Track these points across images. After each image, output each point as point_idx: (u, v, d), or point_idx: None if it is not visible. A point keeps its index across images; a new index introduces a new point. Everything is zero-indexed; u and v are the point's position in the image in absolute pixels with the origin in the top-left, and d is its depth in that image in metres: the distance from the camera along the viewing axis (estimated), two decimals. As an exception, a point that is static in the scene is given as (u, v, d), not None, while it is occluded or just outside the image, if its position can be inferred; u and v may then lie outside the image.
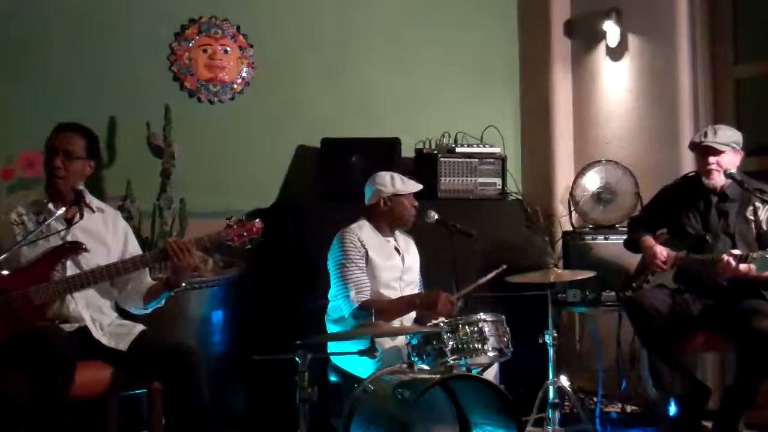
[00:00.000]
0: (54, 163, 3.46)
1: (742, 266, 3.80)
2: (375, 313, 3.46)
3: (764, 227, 3.99)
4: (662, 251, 4.12)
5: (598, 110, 5.43)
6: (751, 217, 4.03)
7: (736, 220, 4.05)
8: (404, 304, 3.95)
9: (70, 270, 3.42)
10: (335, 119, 5.09)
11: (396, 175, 4.08)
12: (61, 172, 3.46)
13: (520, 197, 5.26)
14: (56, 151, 3.47)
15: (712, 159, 4.04)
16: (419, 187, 4.12)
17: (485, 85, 5.58)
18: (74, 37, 4.67)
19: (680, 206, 4.19)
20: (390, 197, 4.03)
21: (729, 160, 4.04)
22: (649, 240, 4.22)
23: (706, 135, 4.08)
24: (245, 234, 3.47)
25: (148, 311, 3.59)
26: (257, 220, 3.52)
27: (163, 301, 3.58)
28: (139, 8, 4.80)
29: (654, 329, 3.97)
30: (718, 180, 4.06)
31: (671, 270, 4.11)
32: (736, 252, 3.84)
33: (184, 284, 3.57)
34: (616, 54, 5.29)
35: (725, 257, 3.83)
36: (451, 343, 3.52)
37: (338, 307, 3.93)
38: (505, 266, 3.99)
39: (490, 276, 3.96)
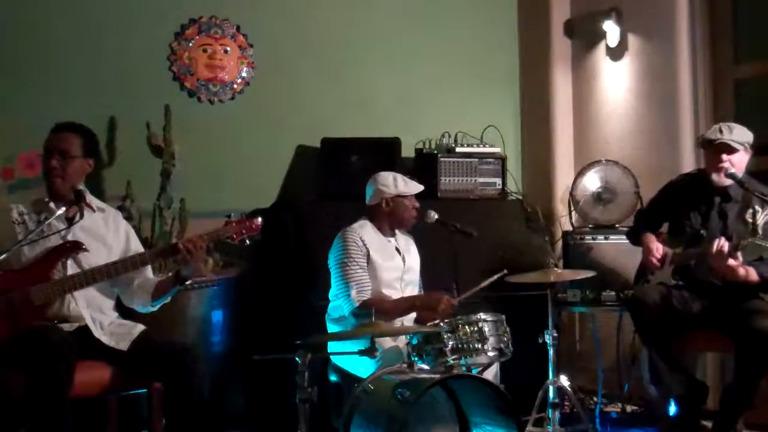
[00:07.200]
0: (50, 164, 3.47)
1: (732, 261, 3.79)
2: (375, 312, 3.44)
3: (760, 231, 3.95)
4: (658, 248, 4.12)
5: (598, 110, 5.43)
6: (750, 220, 4.01)
7: (734, 222, 4.05)
8: (405, 305, 3.95)
9: (71, 269, 3.41)
10: (335, 119, 5.09)
11: (398, 176, 4.07)
12: (57, 172, 3.46)
13: (520, 197, 5.26)
14: (52, 152, 3.48)
15: (725, 156, 4.00)
16: (421, 188, 4.11)
17: (485, 85, 5.58)
18: (74, 37, 4.67)
19: (683, 204, 4.17)
20: (392, 198, 4.02)
21: (740, 159, 4.02)
22: (648, 237, 4.21)
23: (721, 131, 4.02)
24: (244, 231, 3.47)
25: (155, 308, 3.59)
26: (257, 217, 3.52)
27: (169, 297, 3.58)
28: (139, 8, 4.80)
29: (653, 323, 3.97)
30: (726, 178, 4.04)
31: (670, 268, 4.11)
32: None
33: (189, 281, 3.56)
34: (616, 54, 5.29)
35: (717, 240, 3.82)
36: (451, 343, 3.51)
37: (339, 306, 3.92)
38: (506, 271, 3.98)
39: (490, 280, 3.95)
